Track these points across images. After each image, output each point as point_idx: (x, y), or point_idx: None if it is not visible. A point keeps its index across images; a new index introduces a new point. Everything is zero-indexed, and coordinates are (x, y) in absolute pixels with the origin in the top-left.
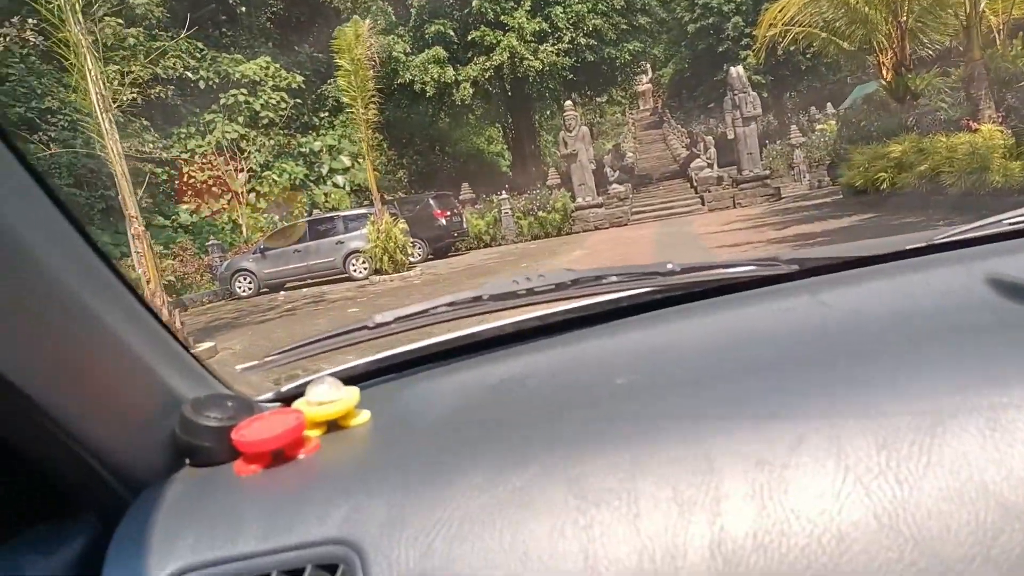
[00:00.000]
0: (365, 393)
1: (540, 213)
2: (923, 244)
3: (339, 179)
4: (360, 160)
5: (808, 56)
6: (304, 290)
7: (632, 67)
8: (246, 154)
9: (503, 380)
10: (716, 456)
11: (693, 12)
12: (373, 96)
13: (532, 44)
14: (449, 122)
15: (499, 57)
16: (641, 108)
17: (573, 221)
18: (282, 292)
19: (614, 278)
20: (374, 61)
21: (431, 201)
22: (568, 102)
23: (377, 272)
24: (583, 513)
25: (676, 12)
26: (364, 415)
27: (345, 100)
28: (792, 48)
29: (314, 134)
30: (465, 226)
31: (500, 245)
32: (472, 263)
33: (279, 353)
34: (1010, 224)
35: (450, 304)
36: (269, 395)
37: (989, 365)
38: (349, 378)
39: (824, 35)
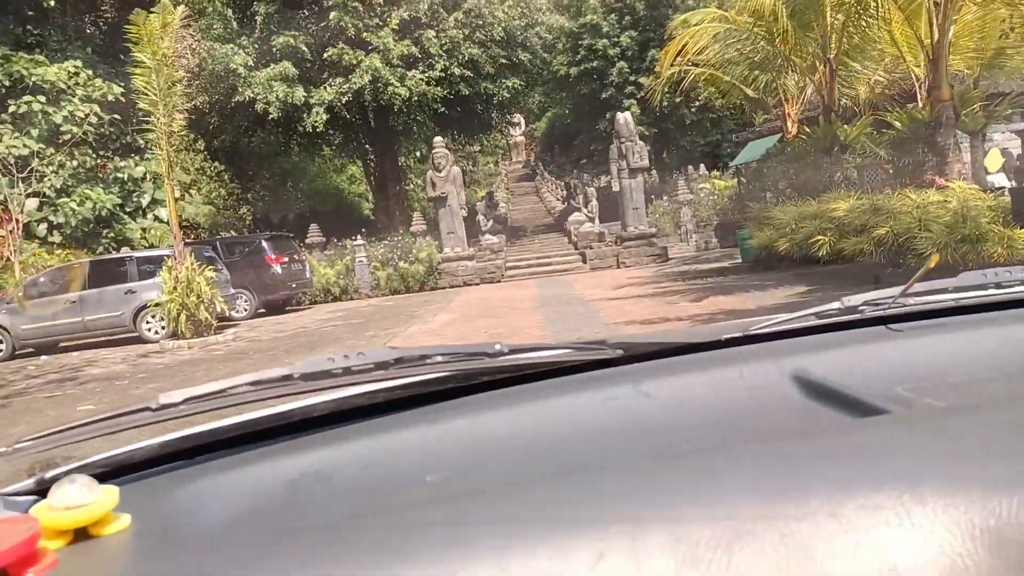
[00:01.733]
0: (131, 489)
1: (401, 264)
2: (739, 335)
3: (162, 212)
4: (192, 191)
5: (693, 109)
6: (75, 354)
7: (509, 107)
8: (38, 176)
9: (303, 474)
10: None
11: (576, 53)
12: (180, 105)
13: (399, 69)
14: (300, 153)
15: (359, 80)
16: (514, 160)
17: (439, 275)
18: (43, 356)
19: (439, 358)
20: (186, 60)
21: (264, 243)
22: (438, 138)
23: (174, 335)
24: None
25: (558, 51)
26: (123, 521)
27: (142, 105)
28: (679, 99)
29: (136, 158)
30: (309, 275)
31: (352, 299)
32: (307, 324)
33: (35, 438)
34: (817, 319)
35: (254, 383)
36: (20, 486)
37: (788, 475)
38: (117, 469)
39: (727, 78)
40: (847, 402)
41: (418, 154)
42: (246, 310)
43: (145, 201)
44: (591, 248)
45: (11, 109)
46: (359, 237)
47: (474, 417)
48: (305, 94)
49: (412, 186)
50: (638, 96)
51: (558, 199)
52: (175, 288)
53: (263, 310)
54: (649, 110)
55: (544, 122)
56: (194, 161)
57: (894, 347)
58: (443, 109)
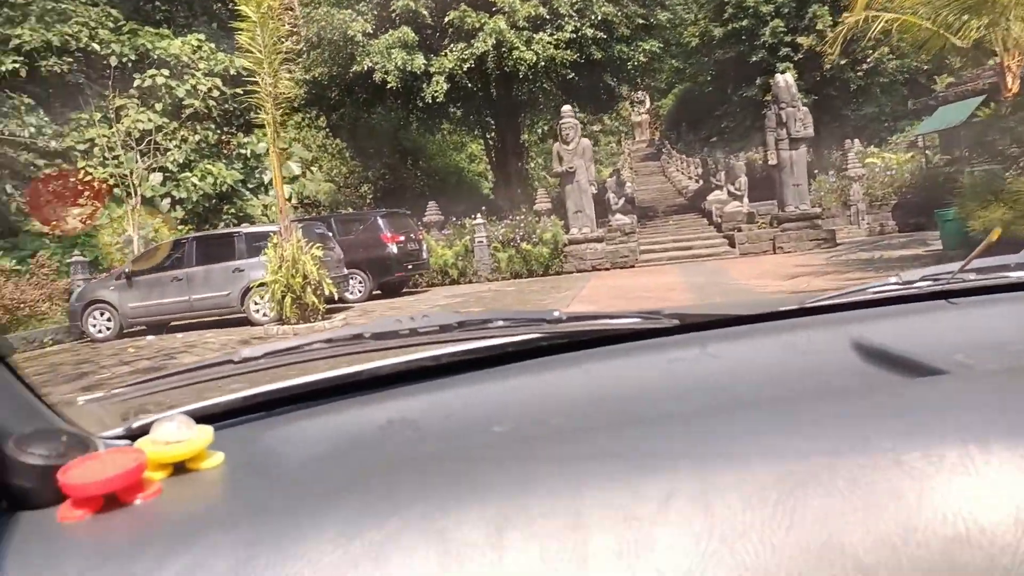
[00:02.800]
0: (223, 434)
1: (524, 245)
2: (795, 307)
3: (284, 189)
4: (312, 169)
5: (860, 73)
6: (179, 336)
7: (644, 74)
8: (161, 150)
9: (372, 426)
10: (586, 511)
11: (722, 12)
12: (288, 63)
13: (525, 32)
14: (419, 127)
15: (482, 45)
16: (637, 139)
17: (565, 257)
18: (149, 336)
19: (500, 323)
20: (304, 29)
21: (379, 220)
22: (566, 106)
23: (280, 320)
24: (444, 569)
25: (700, 9)
26: (217, 457)
27: (246, 64)
28: (844, 60)
29: (259, 133)
30: (426, 256)
31: (471, 282)
32: (423, 309)
33: (130, 385)
34: (874, 293)
35: (328, 341)
36: (116, 431)
37: (851, 427)
38: (207, 416)
39: (928, 25)
40: (906, 365)
41: (540, 131)
42: (360, 292)
43: (267, 177)
44: (739, 231)
45: (136, 83)
46: (479, 216)
47: (536, 378)
48: (425, 62)
49: (534, 164)
50: (795, 59)
51: (690, 178)
52: (280, 268)
53: (378, 292)
54: (808, 75)
55: (671, 98)
56: (315, 138)
57: (952, 318)
58: (572, 75)
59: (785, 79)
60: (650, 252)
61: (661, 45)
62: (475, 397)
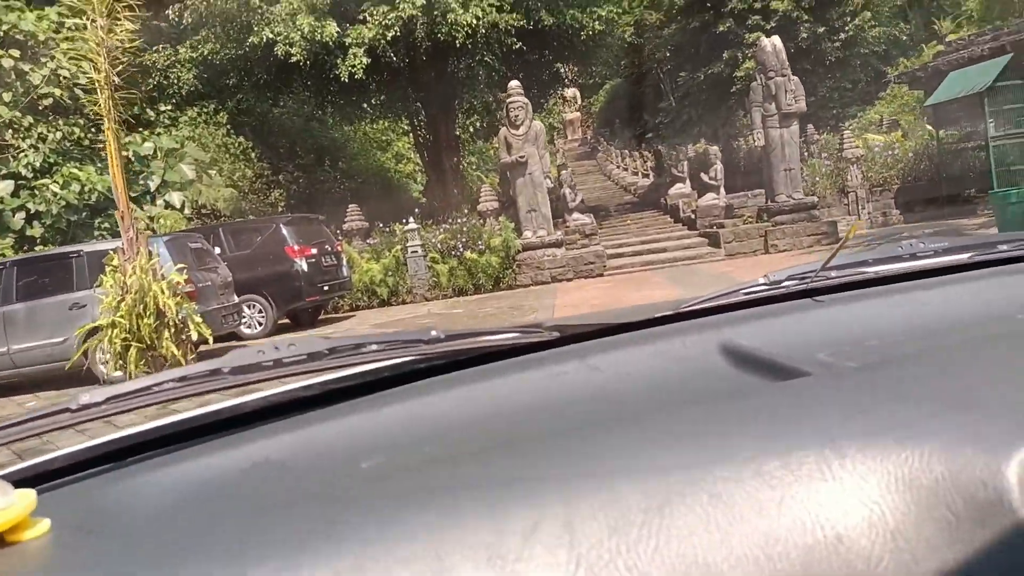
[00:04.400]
0: (50, 496)
1: (468, 254)
2: (671, 312)
3: (175, 196)
4: (210, 173)
5: (838, 43)
6: None
7: (598, 47)
8: (14, 152)
9: (229, 471)
10: (447, 554)
11: None
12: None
13: None
14: (335, 116)
15: (409, 7)
16: (569, 138)
17: (518, 267)
18: None
19: (374, 347)
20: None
21: (283, 229)
22: (514, 82)
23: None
24: None
25: None
26: (41, 525)
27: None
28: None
29: (144, 132)
30: (347, 272)
31: (405, 302)
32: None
33: None
34: (745, 295)
35: (180, 379)
36: None
37: (717, 437)
38: (34, 477)
39: None
40: (770, 367)
41: (477, 122)
42: (260, 324)
43: (154, 183)
44: (720, 227)
45: None
46: (411, 220)
47: (411, 403)
48: (339, 30)
49: (471, 161)
50: (766, 27)
51: (635, 173)
52: (120, 303)
53: (286, 321)
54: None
55: (603, 95)
56: (214, 136)
57: (816, 317)
58: (519, 45)
59: (773, 43)
60: (619, 257)
61: (617, 11)
62: (346, 430)
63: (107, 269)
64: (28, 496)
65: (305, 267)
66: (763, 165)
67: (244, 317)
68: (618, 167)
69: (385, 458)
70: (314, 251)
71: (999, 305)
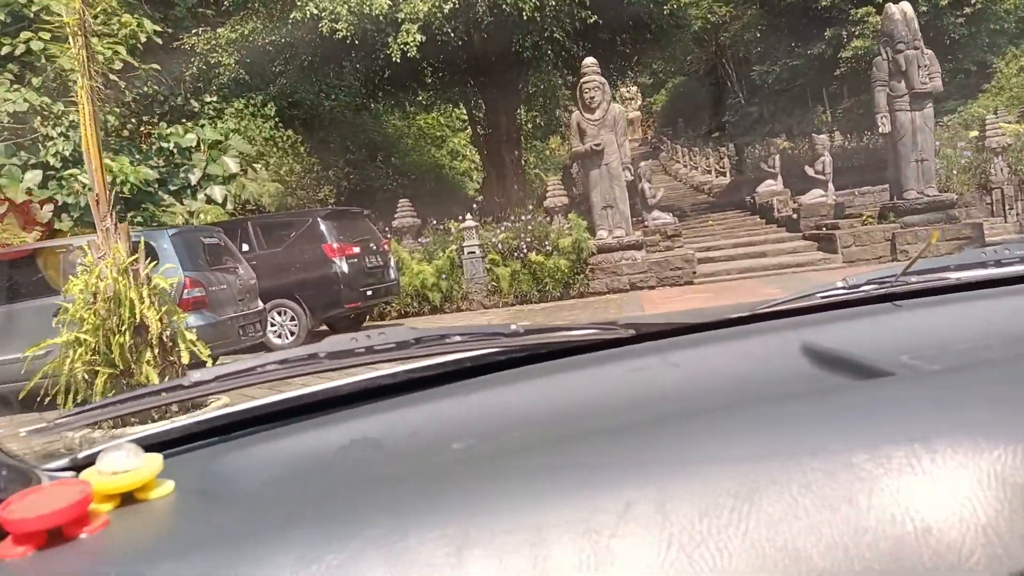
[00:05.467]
0: (173, 461)
1: (533, 255)
2: (747, 314)
3: (217, 191)
4: (255, 167)
5: (960, 20)
6: None
7: (678, 24)
8: (44, 139)
9: (331, 446)
10: (546, 526)
11: None
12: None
13: None
14: (386, 101)
15: None
16: (630, 138)
17: (591, 272)
18: None
19: (458, 338)
20: None
21: (321, 224)
22: (589, 58)
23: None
24: None
25: None
26: (167, 486)
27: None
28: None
29: (188, 124)
30: (395, 274)
31: (460, 310)
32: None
33: (73, 414)
34: (822, 298)
35: (282, 362)
36: (60, 463)
37: (803, 432)
38: (157, 444)
39: None
40: (853, 367)
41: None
42: (292, 333)
43: (195, 177)
44: (835, 228)
45: (4, 50)
46: (468, 217)
47: (495, 391)
48: (390, 3)
49: (529, 160)
50: (877, 1)
51: (706, 172)
52: (88, 314)
53: (324, 328)
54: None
55: (665, 93)
56: (261, 129)
57: (898, 321)
58: (594, 18)
59: (903, 8)
60: (708, 262)
61: None
62: (435, 414)
63: (78, 270)
64: (156, 460)
65: (346, 268)
66: (888, 155)
67: (274, 325)
68: (685, 166)
69: (475, 441)
70: (357, 250)
71: None
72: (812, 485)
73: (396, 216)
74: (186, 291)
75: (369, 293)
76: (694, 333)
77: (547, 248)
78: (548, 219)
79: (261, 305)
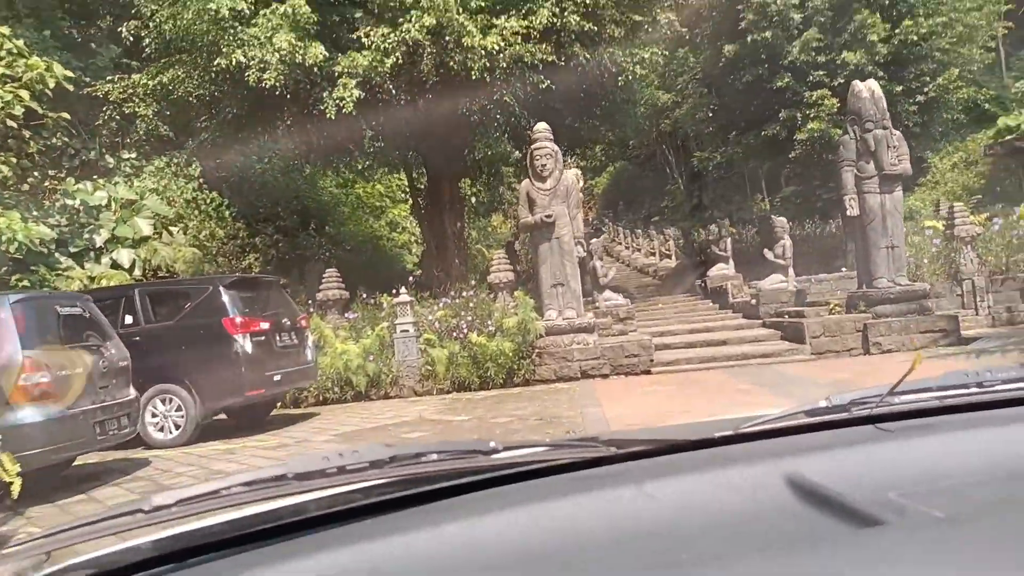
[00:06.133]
0: None
1: (474, 336)
2: (731, 433)
3: (124, 254)
4: (171, 231)
5: (915, 107)
6: None
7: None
8: None
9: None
10: None
11: (738, 23)
12: None
13: (480, 15)
14: (317, 162)
15: (414, 30)
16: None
17: (539, 356)
18: None
19: (434, 456)
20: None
21: (223, 294)
22: (542, 123)
23: None
24: None
25: (710, 22)
26: None
27: None
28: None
29: (99, 181)
30: (312, 355)
31: (390, 396)
32: (294, 456)
33: (34, 539)
34: (806, 418)
35: (247, 484)
36: None
37: None
38: (112, 571)
39: None
40: (843, 509)
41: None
42: (177, 427)
43: (101, 238)
44: (800, 316)
45: None
46: (403, 291)
47: (469, 520)
48: (326, 54)
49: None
50: (832, 84)
51: (650, 254)
52: None
53: (222, 416)
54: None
55: (606, 177)
56: (184, 190)
57: (884, 449)
58: (547, 83)
59: (870, 87)
60: (664, 349)
61: (665, 53)
62: (402, 544)
63: None
64: None
65: (250, 347)
66: (856, 240)
67: (155, 416)
68: (628, 248)
69: None
70: (265, 325)
71: None
72: None
73: (322, 286)
74: (23, 376)
75: (278, 378)
76: (676, 453)
77: (490, 328)
78: (492, 296)
79: (133, 393)
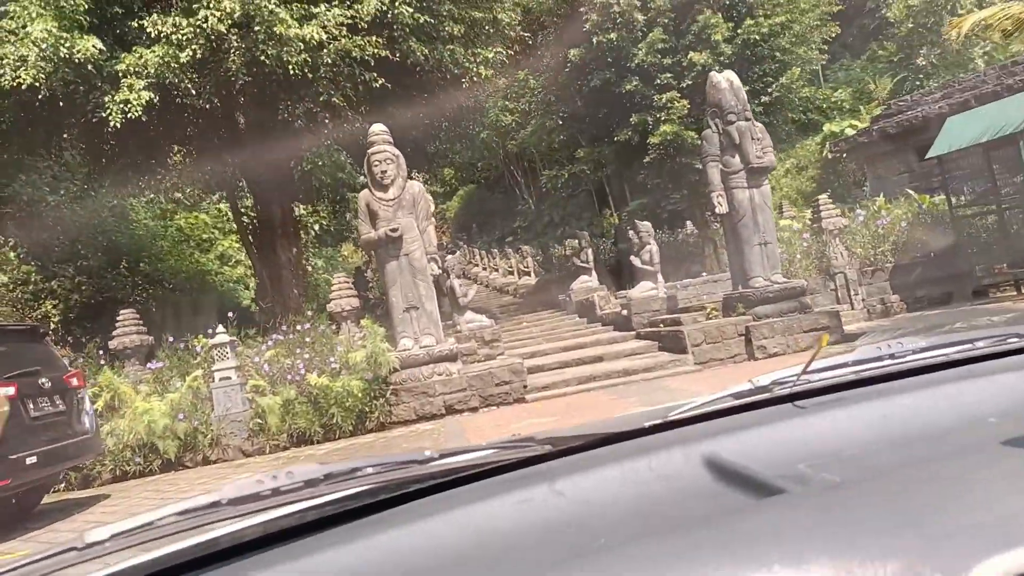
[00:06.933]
0: None
1: (313, 377)
2: (660, 421)
3: None
4: None
5: (760, 107)
6: None
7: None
8: None
9: None
10: None
11: (584, 23)
12: None
13: (298, 3)
14: (104, 182)
15: (216, 19)
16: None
17: (395, 394)
18: None
19: (370, 470)
20: None
21: None
22: (379, 125)
23: None
24: None
25: (551, 20)
26: None
27: None
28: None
29: None
30: (91, 424)
31: (209, 462)
32: None
33: None
34: (734, 400)
35: (181, 513)
36: None
37: (690, 567)
38: None
39: None
40: (751, 483)
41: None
42: None
43: None
44: (674, 324)
45: None
46: (220, 329)
47: (399, 530)
48: (103, 49)
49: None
50: (681, 86)
51: (508, 273)
52: None
53: None
54: (695, 108)
55: (457, 200)
56: None
57: (797, 424)
58: (380, 82)
59: (729, 78)
60: (537, 372)
61: (506, 53)
62: (339, 560)
63: None
64: None
65: None
66: (727, 238)
67: None
68: (485, 268)
69: None
70: (10, 391)
71: (970, 408)
72: None
73: (116, 331)
74: None
75: (33, 460)
76: (609, 445)
77: (333, 366)
78: (335, 328)
79: None
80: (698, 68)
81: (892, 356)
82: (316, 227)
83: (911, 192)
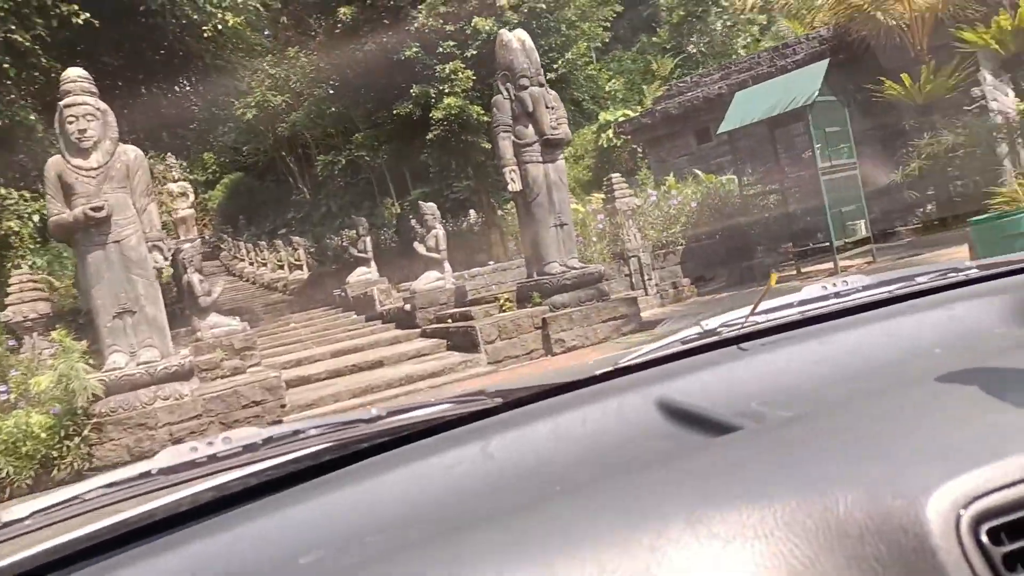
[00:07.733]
0: None
1: None
2: (611, 368)
3: None
4: None
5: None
6: None
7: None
8: None
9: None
10: None
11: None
12: None
13: None
14: None
15: None
16: (183, 238)
17: (98, 429)
18: None
19: (313, 432)
20: None
21: None
22: (74, 69)
23: None
24: None
25: None
26: None
27: None
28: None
29: None
30: None
31: None
32: None
33: None
34: (682, 344)
35: (109, 486)
36: None
37: (649, 503)
38: None
39: None
40: (706, 422)
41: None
42: None
43: None
44: (465, 319)
45: None
46: None
47: (351, 488)
48: None
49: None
50: (465, 55)
51: (278, 267)
52: None
53: None
54: (480, 77)
55: (221, 190)
56: None
57: (748, 365)
58: (85, 17)
59: (519, 37)
60: (301, 385)
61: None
62: (284, 523)
63: None
64: None
65: None
66: (521, 219)
67: None
68: (252, 263)
69: (328, 551)
70: None
71: (915, 341)
72: (659, 563)
73: None
74: None
75: None
76: (561, 394)
77: (6, 397)
78: (14, 344)
79: None
80: (483, 36)
81: (837, 295)
82: (35, 217)
83: (698, 172)
